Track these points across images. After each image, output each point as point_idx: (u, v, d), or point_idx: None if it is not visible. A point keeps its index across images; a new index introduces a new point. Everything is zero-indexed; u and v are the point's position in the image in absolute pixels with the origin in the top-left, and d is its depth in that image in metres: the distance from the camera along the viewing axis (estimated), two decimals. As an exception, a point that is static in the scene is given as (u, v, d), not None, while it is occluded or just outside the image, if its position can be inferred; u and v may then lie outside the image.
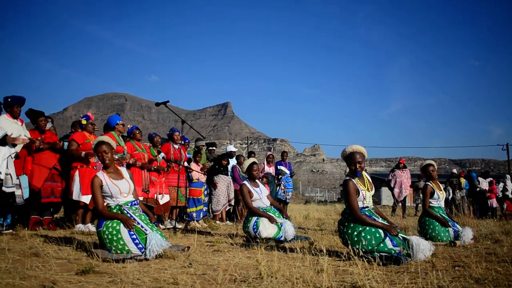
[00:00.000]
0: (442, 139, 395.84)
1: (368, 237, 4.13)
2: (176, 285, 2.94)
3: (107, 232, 4.12)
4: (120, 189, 4.41)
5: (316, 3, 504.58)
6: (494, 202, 14.85)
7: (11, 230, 5.86)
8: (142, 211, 4.53)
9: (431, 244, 4.12)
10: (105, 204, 4.34)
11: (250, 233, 5.73)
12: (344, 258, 4.04)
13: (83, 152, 6.58)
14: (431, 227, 5.86)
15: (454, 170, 16.88)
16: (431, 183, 6.21)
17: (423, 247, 4.00)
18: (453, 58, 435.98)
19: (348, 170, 4.58)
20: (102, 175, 4.40)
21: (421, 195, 15.75)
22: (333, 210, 15.99)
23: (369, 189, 4.49)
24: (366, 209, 4.38)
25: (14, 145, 5.91)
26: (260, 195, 6.02)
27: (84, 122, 6.93)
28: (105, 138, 4.69)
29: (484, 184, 15.03)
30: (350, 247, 4.12)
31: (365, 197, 4.39)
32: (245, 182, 6.09)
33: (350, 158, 4.50)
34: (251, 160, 6.40)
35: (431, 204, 6.08)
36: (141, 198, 7.04)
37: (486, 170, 17.42)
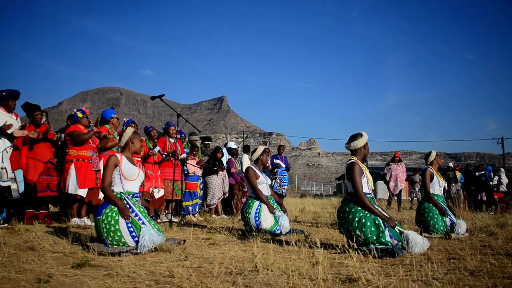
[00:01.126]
0: (438, 133, 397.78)
1: (368, 224, 4.13)
2: (172, 278, 2.95)
3: (105, 221, 4.11)
4: (134, 173, 4.50)
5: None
6: (484, 195, 14.98)
7: (6, 224, 5.84)
8: (141, 204, 4.54)
9: (426, 240, 4.14)
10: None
11: (250, 220, 5.71)
12: (339, 251, 4.06)
13: (94, 129, 6.71)
14: (430, 214, 5.90)
15: (450, 164, 16.96)
16: (431, 168, 6.29)
17: (418, 242, 4.02)
18: (448, 52, 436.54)
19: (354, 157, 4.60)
20: (120, 156, 4.48)
21: (416, 188, 15.94)
22: (329, 204, 16.04)
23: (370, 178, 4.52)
24: (369, 195, 4.38)
25: (12, 139, 5.88)
26: (266, 181, 6.06)
27: (80, 115, 6.89)
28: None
29: (504, 179, 15.12)
30: (348, 235, 4.15)
31: (368, 181, 4.41)
32: (252, 166, 6.12)
33: (364, 146, 4.62)
34: (264, 147, 6.46)
35: (432, 192, 6.14)
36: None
37: (480, 164, 17.48)
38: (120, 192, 4.36)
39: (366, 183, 4.39)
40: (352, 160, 4.49)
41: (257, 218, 5.65)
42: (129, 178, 4.44)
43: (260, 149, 6.37)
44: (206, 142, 11.03)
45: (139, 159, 7.24)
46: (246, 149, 11.51)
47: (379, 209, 4.32)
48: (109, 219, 4.12)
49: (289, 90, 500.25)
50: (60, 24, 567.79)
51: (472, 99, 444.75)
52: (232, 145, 11.12)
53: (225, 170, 9.91)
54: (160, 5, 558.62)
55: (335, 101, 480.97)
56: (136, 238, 4.06)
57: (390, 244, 4.03)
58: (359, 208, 4.26)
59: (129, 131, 4.75)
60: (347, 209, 4.33)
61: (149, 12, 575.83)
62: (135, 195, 4.50)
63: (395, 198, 13.35)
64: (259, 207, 5.72)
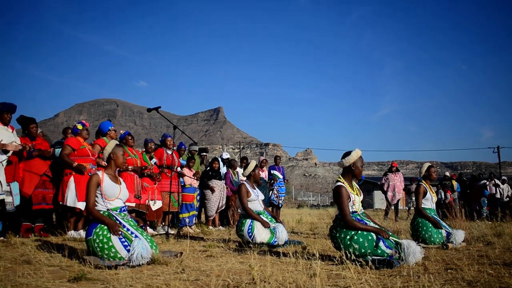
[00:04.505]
0: (434, 142, 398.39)
1: (361, 240, 4.14)
2: (169, 291, 2.93)
3: (97, 241, 4.08)
4: (115, 192, 4.42)
5: (307, 6, 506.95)
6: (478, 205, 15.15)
7: (2, 238, 5.80)
8: (130, 216, 4.52)
9: (421, 248, 4.14)
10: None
11: (244, 236, 5.72)
12: (337, 262, 4.05)
13: (75, 163, 6.52)
14: (424, 228, 5.88)
15: (447, 173, 16.99)
16: (424, 183, 6.25)
17: (414, 251, 4.02)
18: (445, 61, 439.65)
19: (342, 175, 4.58)
20: (101, 174, 4.42)
21: (413, 198, 15.97)
22: (326, 214, 15.99)
23: (358, 194, 4.51)
24: (356, 213, 4.39)
25: (5, 152, 5.87)
26: (257, 197, 6.05)
27: (80, 127, 6.88)
28: (117, 142, 4.79)
29: (506, 190, 15.30)
30: (342, 251, 4.14)
31: (354, 202, 4.41)
32: (244, 182, 6.12)
33: (355, 164, 4.55)
34: (255, 162, 6.49)
35: (423, 206, 6.11)
36: (133, 204, 7.01)
37: (479, 173, 17.56)
38: (107, 210, 4.34)
39: (351, 206, 4.39)
40: (339, 183, 4.47)
41: (250, 233, 5.66)
42: (109, 198, 4.37)
43: (252, 164, 6.40)
44: (203, 154, 11.04)
45: (131, 168, 7.22)
46: (243, 161, 11.50)
47: (371, 224, 4.33)
48: (101, 237, 4.09)
49: (285, 100, 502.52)
50: (55, 34, 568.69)
51: (468, 108, 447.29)
52: (224, 155, 11.16)
53: (223, 182, 9.90)
54: (153, 15, 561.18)
55: (331, 110, 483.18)
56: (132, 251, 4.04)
57: (386, 254, 4.03)
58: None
59: (110, 145, 4.68)
60: (338, 228, 4.35)
61: (142, 22, 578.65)
62: (122, 209, 4.47)
63: (393, 207, 13.36)
64: (251, 224, 5.73)
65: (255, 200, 6.00)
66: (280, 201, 11.57)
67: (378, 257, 4.01)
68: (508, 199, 15.42)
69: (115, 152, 4.62)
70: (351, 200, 4.38)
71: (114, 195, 4.40)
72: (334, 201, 4.49)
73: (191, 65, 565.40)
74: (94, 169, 6.68)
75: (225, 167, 10.73)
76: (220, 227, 9.62)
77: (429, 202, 6.15)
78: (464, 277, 3.40)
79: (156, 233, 7.67)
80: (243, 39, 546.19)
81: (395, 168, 13.52)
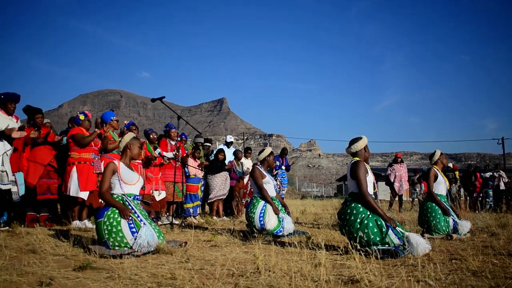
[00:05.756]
0: (438, 133, 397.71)
1: (371, 225, 4.12)
2: (174, 280, 2.94)
3: (107, 223, 4.12)
4: (133, 178, 4.56)
5: (309, 1, 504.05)
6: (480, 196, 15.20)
7: (7, 227, 5.83)
8: (142, 207, 4.57)
9: (427, 243, 4.12)
10: (110, 192, 4.43)
11: (254, 219, 5.74)
12: (341, 252, 4.05)
13: (96, 132, 6.75)
14: (433, 215, 5.85)
15: (450, 164, 16.96)
16: (436, 167, 6.28)
17: (420, 245, 4.00)
18: (447, 52, 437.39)
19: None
20: (118, 163, 4.54)
21: (417, 189, 15.97)
22: (330, 205, 16.01)
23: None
24: (372, 195, 4.40)
25: (10, 142, 5.88)
26: (271, 181, 6.12)
27: (82, 117, 6.89)
28: (135, 135, 4.92)
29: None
30: (350, 236, 4.14)
31: (373, 181, 4.44)
32: (257, 166, 6.17)
33: (364, 148, 4.62)
34: (270, 149, 6.53)
35: (435, 191, 6.11)
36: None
37: (485, 165, 17.54)
38: (121, 194, 4.39)
39: (371, 182, 4.41)
40: (356, 159, 4.50)
41: (261, 218, 5.69)
42: (128, 182, 4.50)
43: (268, 150, 6.46)
44: (206, 144, 11.04)
45: (140, 161, 7.25)
46: (247, 152, 11.50)
47: (382, 209, 4.32)
48: (111, 220, 4.13)
49: (289, 91, 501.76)
50: (59, 26, 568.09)
51: (472, 99, 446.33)
52: (228, 138, 11.20)
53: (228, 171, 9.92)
54: (157, 6, 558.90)
55: (335, 102, 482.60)
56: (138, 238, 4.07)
57: (394, 244, 4.02)
58: (361, 209, 4.24)
59: (128, 136, 4.81)
60: (348, 211, 4.31)
61: (146, 14, 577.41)
62: (136, 197, 4.54)
63: (396, 199, 13.36)
64: (264, 207, 5.76)
65: (270, 183, 6.05)
66: (283, 192, 11.59)
67: (383, 247, 4.00)
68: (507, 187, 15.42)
69: (131, 143, 4.76)
70: (369, 176, 4.40)
71: (132, 180, 4.54)
72: (351, 177, 4.44)
73: (195, 57, 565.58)
74: (96, 158, 6.70)
75: (231, 153, 10.74)
76: (224, 217, 9.64)
77: (442, 186, 6.14)
78: (469, 267, 3.40)
79: (161, 223, 7.69)
80: (246, 32, 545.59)
81: (400, 159, 13.50)
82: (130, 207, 4.31)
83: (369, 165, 4.78)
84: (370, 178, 4.43)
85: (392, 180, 13.21)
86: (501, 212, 11.92)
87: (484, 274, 3.08)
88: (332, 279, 2.97)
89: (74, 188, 6.42)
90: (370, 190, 4.39)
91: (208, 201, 9.63)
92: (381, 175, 29.80)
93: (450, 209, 5.98)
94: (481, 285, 2.84)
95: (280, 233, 5.64)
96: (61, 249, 4.16)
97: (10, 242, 4.60)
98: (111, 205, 4.24)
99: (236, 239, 5.33)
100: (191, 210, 8.68)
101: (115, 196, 4.38)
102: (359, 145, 4.59)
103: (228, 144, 11.08)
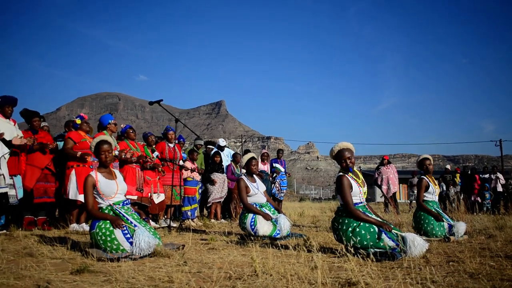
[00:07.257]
0: (436, 135, 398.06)
1: (363, 232, 4.13)
2: (171, 283, 2.94)
3: (100, 234, 4.10)
4: (112, 189, 4.40)
5: (307, 1, 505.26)
6: (478, 198, 15.23)
7: (5, 231, 5.83)
8: (133, 210, 4.53)
9: (425, 242, 4.13)
10: (97, 205, 4.35)
11: (246, 229, 5.70)
12: (338, 255, 4.05)
13: (79, 153, 6.54)
14: (426, 221, 5.86)
15: (448, 166, 17.00)
16: (426, 177, 6.23)
17: (418, 244, 4.01)
18: (446, 53, 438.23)
19: (340, 168, 4.61)
20: (95, 174, 4.38)
21: (415, 191, 16.00)
22: (328, 208, 16.03)
23: (361, 186, 4.50)
24: (360, 204, 4.39)
25: (9, 146, 5.89)
26: (257, 191, 6.01)
27: (78, 121, 6.90)
28: (106, 137, 4.66)
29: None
30: (344, 243, 4.14)
31: (360, 192, 4.41)
32: (243, 177, 6.09)
33: (339, 156, 4.55)
34: (250, 155, 6.39)
35: (425, 198, 6.10)
36: (135, 197, 7.02)
37: (484, 167, 17.62)
38: (109, 205, 4.34)
39: (356, 195, 4.40)
40: (340, 174, 4.50)
41: (253, 227, 5.64)
42: (108, 196, 4.35)
43: (246, 156, 6.35)
44: (208, 147, 11.07)
45: (136, 164, 7.25)
46: (246, 153, 11.51)
47: (373, 216, 4.31)
48: (103, 230, 4.10)
49: (286, 94, 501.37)
50: (56, 29, 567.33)
51: (470, 101, 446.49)
52: (221, 142, 11.18)
53: (225, 175, 9.94)
54: (155, 9, 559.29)
55: (333, 104, 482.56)
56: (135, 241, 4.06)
57: (389, 247, 4.02)
58: (352, 219, 4.27)
59: (94, 141, 4.60)
60: (340, 220, 4.33)
61: (143, 17, 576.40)
62: (125, 202, 4.47)
63: (390, 200, 13.38)
64: (254, 217, 5.71)
65: (255, 194, 5.96)
66: (282, 194, 11.59)
67: (380, 250, 4.01)
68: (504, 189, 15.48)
69: (101, 150, 4.52)
70: (354, 189, 4.39)
71: (112, 192, 4.38)
72: (337, 192, 4.49)
73: (192, 59, 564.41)
74: (95, 161, 6.70)
75: (228, 159, 10.74)
76: (222, 220, 9.65)
77: (431, 195, 6.13)
78: (466, 269, 3.40)
79: (158, 226, 7.69)
80: (244, 34, 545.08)
81: (386, 160, 13.58)
82: (121, 215, 4.26)
83: (367, 167, 4.78)
84: (356, 190, 4.41)
85: (379, 183, 13.27)
86: (498, 214, 11.95)
87: (481, 277, 3.08)
88: (329, 281, 2.97)
89: (73, 191, 6.41)
90: (358, 200, 4.40)
91: (207, 204, 9.64)
92: (379, 177, 29.79)
93: (443, 213, 5.98)
94: (478, 287, 2.85)
95: (278, 236, 5.61)
96: (58, 252, 4.15)
97: (8, 246, 4.59)
98: (102, 219, 4.19)
99: (234, 242, 5.32)
100: (189, 213, 8.69)
101: (103, 207, 4.32)
102: (334, 150, 4.60)
103: (221, 148, 11.06)
